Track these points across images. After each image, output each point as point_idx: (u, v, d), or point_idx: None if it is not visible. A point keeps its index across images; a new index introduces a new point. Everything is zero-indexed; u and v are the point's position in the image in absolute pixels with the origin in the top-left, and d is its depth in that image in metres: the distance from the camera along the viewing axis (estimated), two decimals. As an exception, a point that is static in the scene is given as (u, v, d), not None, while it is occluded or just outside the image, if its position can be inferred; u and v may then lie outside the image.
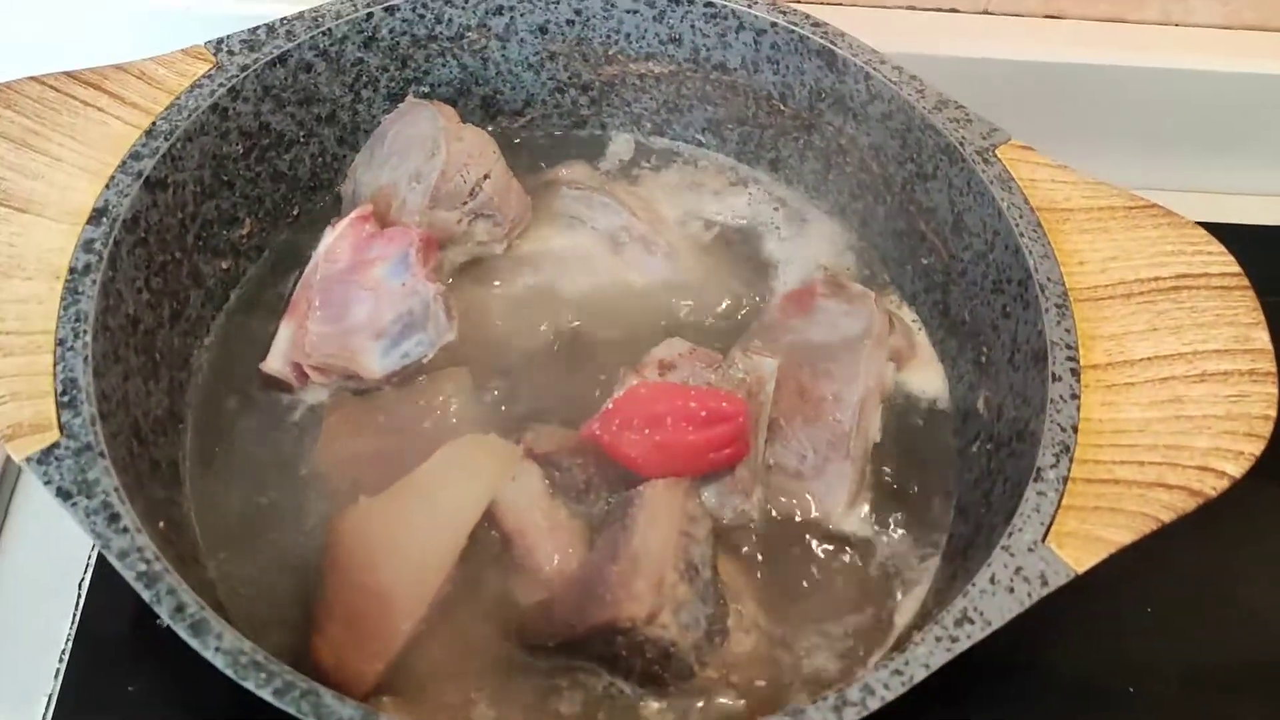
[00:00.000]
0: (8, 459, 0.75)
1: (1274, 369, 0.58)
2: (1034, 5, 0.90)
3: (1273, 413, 0.57)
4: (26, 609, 0.70)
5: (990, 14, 0.91)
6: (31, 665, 0.67)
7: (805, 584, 0.63)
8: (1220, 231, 0.64)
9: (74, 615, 0.69)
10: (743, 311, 0.74)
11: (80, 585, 0.70)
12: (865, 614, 0.62)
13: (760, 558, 0.63)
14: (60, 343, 0.54)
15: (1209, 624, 0.72)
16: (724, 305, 0.74)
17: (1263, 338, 0.59)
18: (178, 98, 0.64)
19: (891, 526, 0.65)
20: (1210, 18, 0.90)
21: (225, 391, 0.67)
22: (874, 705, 0.48)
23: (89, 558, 0.71)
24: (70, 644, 0.68)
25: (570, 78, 0.79)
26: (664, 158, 0.82)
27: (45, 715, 0.65)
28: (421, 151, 0.71)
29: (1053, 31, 0.90)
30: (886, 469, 0.67)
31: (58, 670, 0.67)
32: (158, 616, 0.66)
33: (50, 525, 0.73)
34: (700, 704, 0.58)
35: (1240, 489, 0.55)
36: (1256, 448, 0.56)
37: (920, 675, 0.49)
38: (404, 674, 0.57)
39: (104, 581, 0.70)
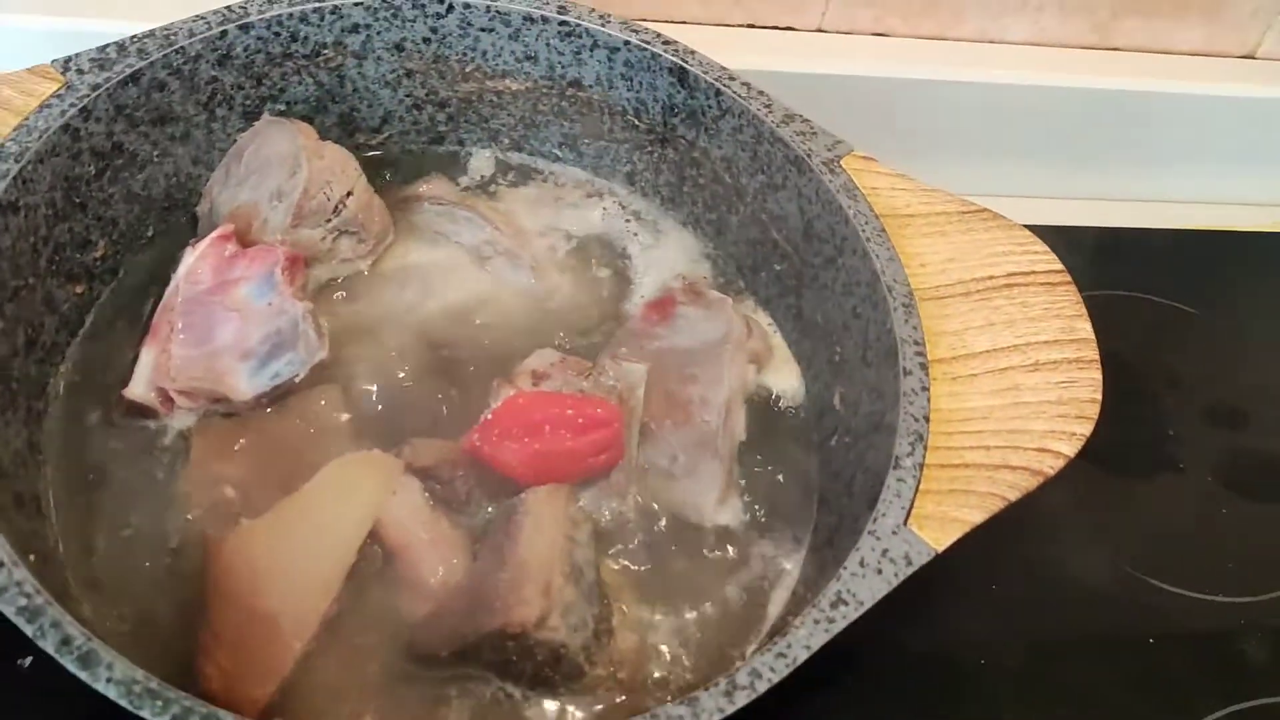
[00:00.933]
0: None
1: (1097, 356, 0.64)
2: (864, 23, 0.95)
3: (1098, 396, 0.62)
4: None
5: (824, 31, 0.96)
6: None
7: (682, 579, 0.65)
8: (1043, 233, 0.70)
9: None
10: (606, 321, 0.76)
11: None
12: (740, 605, 0.65)
13: (638, 557, 0.66)
14: (-88, 377, 0.52)
15: (1046, 598, 0.78)
16: (588, 315, 0.76)
17: (1086, 328, 0.65)
18: (26, 118, 0.62)
19: (760, 520, 0.68)
20: (1023, 35, 0.97)
21: (86, 420, 0.65)
22: (762, 688, 0.51)
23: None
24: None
25: (427, 94, 0.80)
26: (522, 173, 0.84)
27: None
28: (282, 170, 0.70)
29: (882, 48, 0.96)
30: (752, 466, 0.71)
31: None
32: (18, 655, 0.65)
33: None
34: (589, 702, 0.60)
35: (1066, 469, 0.61)
36: (1086, 429, 0.61)
37: (803, 656, 0.52)
38: (292, 694, 0.56)
39: None
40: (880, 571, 0.55)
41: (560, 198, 0.83)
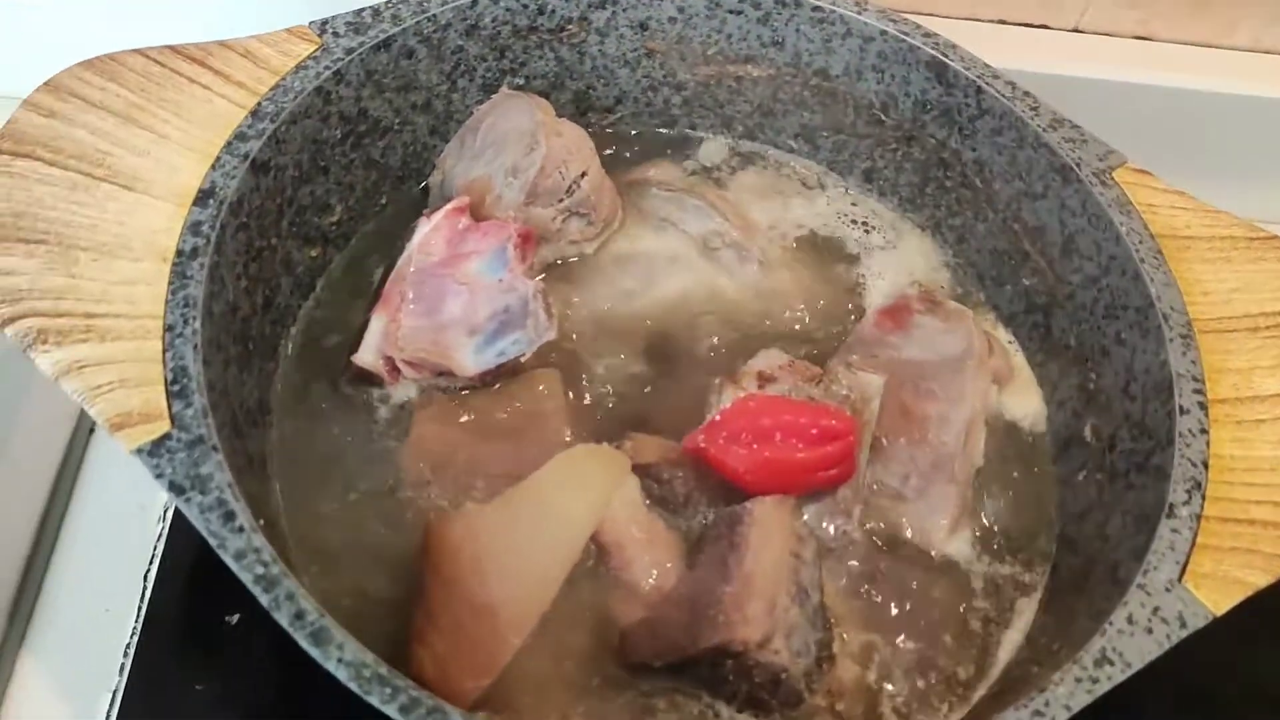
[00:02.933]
0: (68, 450, 0.73)
1: (1407, 411, 0.57)
2: (1127, 25, 0.88)
3: None
4: (90, 603, 0.68)
5: (1081, 32, 0.89)
6: (96, 661, 0.65)
7: (907, 610, 0.61)
8: (1343, 269, 0.63)
9: (140, 607, 0.67)
10: (836, 324, 0.72)
11: (145, 576, 0.68)
12: (968, 645, 0.61)
13: (861, 581, 0.62)
14: (169, 328, 0.52)
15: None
16: (817, 316, 0.72)
17: (1394, 378, 0.58)
18: (283, 79, 0.61)
19: (994, 554, 0.64)
20: (1306, 47, 0.89)
21: (312, 384, 0.65)
22: (1017, 748, 0.47)
23: (154, 550, 0.69)
24: (136, 639, 0.66)
25: (665, 76, 0.77)
26: (753, 162, 0.80)
27: (109, 713, 0.63)
28: (519, 145, 0.69)
29: (1146, 52, 0.88)
30: (988, 494, 0.66)
31: (123, 666, 0.65)
32: (225, 612, 0.66)
33: (117, 515, 0.71)
34: (805, 732, 0.57)
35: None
36: (1393, 492, 0.54)
37: (1062, 717, 0.48)
38: (501, 688, 0.55)
39: (170, 572, 0.68)
40: (1150, 631, 0.50)
41: (791, 190, 0.79)
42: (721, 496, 0.61)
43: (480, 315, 0.65)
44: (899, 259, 0.76)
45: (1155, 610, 0.51)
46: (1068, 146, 0.66)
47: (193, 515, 0.48)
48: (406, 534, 0.60)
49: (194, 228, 0.55)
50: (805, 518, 0.62)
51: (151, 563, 0.68)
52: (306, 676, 0.46)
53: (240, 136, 0.59)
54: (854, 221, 0.78)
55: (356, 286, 0.69)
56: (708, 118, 0.79)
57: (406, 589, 0.57)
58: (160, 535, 0.70)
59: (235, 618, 0.66)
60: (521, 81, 0.74)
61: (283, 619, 0.46)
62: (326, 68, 0.63)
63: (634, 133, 0.80)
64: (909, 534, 0.63)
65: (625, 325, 0.70)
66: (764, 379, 0.65)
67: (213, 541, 0.47)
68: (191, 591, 0.68)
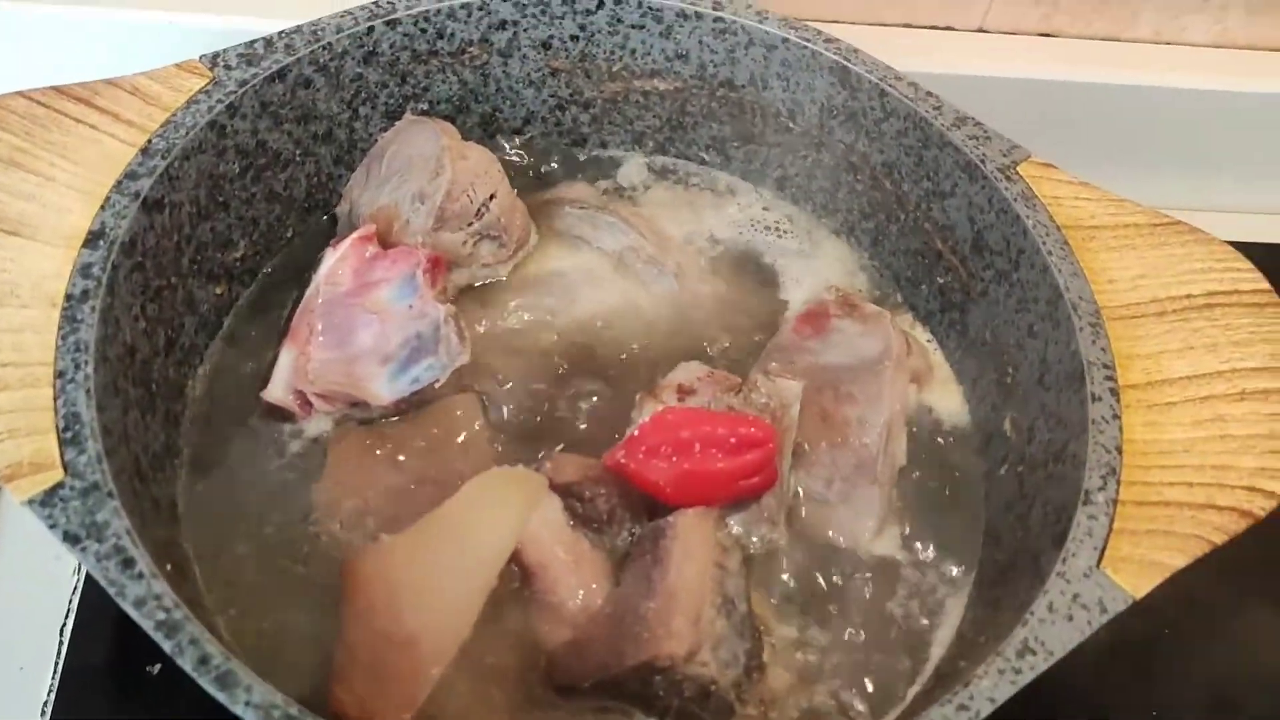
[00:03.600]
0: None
1: (1314, 387, 0.57)
2: (1030, 22, 0.90)
3: (1317, 432, 0.56)
4: (5, 655, 0.66)
5: (985, 31, 0.90)
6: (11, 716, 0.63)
7: (836, 614, 0.61)
8: (1244, 250, 0.63)
9: (57, 662, 0.65)
10: (755, 333, 0.72)
11: (62, 630, 0.66)
12: (900, 644, 0.61)
13: (789, 588, 0.61)
14: (60, 375, 0.51)
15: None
16: (735, 327, 0.72)
17: (1300, 354, 0.59)
18: (174, 114, 0.60)
19: (921, 553, 0.64)
20: (1203, 37, 0.90)
21: (222, 423, 0.64)
22: (942, 743, 0.46)
23: (71, 600, 0.67)
24: (53, 693, 0.64)
25: (572, 95, 0.77)
26: (666, 176, 0.80)
27: (30, 773, 0.61)
28: (425, 171, 0.68)
29: (1049, 50, 0.90)
30: (912, 494, 0.66)
31: (41, 723, 0.63)
32: (147, 661, 0.64)
33: (30, 567, 0.69)
34: (738, 743, 0.56)
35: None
36: (1304, 467, 0.55)
37: (986, 709, 0.47)
38: (425, 716, 0.54)
39: (88, 623, 0.66)
40: (1071, 619, 0.50)
41: (704, 203, 0.79)
42: (645, 512, 0.61)
43: (392, 343, 0.64)
44: (816, 265, 0.76)
45: (1075, 597, 0.51)
46: (972, 144, 0.67)
47: (89, 564, 0.46)
48: (326, 570, 0.58)
49: (84, 270, 0.54)
50: (730, 528, 0.61)
51: (68, 616, 0.67)
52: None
53: (130, 175, 0.58)
54: (768, 227, 0.78)
55: (266, 322, 0.68)
56: (617, 134, 0.79)
57: (328, 626, 0.56)
58: (76, 588, 0.68)
59: (157, 668, 0.64)
60: (425, 106, 0.73)
61: (187, 665, 0.45)
62: (219, 101, 0.62)
63: (545, 153, 0.79)
64: (835, 538, 0.63)
65: (543, 345, 0.69)
66: (683, 391, 0.65)
67: (111, 590, 0.46)
68: (111, 643, 0.66)
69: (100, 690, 0.64)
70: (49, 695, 0.64)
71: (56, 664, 0.65)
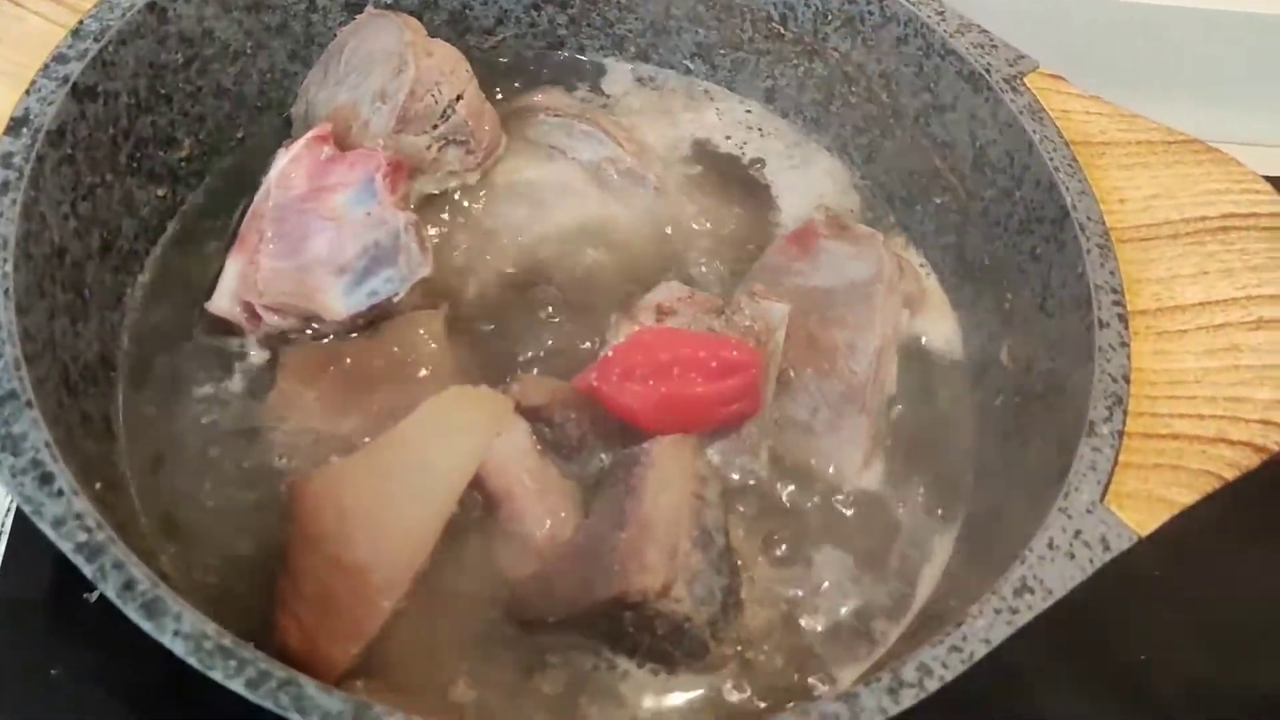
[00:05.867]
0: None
1: (1334, 316, 0.54)
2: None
3: (1336, 362, 0.53)
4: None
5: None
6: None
7: (819, 550, 0.58)
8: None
9: (-14, 591, 0.61)
10: (739, 253, 0.68)
11: (-9, 555, 0.62)
12: (883, 583, 0.58)
13: (771, 521, 0.58)
14: (-26, 272, 0.46)
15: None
16: (719, 245, 0.68)
17: (1320, 282, 0.55)
18: (109, -7, 0.55)
19: (909, 486, 0.61)
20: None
21: (163, 335, 0.60)
22: (932, 686, 0.44)
23: (2, 525, 0.63)
24: (-16, 623, 0.60)
25: (548, -8, 0.72)
26: (647, 83, 0.76)
27: (-43, 705, 0.57)
28: (386, 68, 0.63)
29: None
30: (901, 424, 0.62)
31: (-30, 652, 0.59)
32: (84, 589, 0.60)
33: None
34: (712, 683, 0.53)
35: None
36: (1322, 400, 0.52)
37: (981, 651, 0.44)
38: (376, 653, 0.50)
39: (22, 550, 0.62)
40: (1073, 556, 0.47)
41: (688, 113, 0.75)
42: (619, 438, 0.58)
43: (348, 252, 0.59)
44: (805, 182, 0.73)
45: (1077, 533, 0.48)
46: (976, 53, 0.63)
47: (4, 480, 0.42)
48: (273, 494, 0.55)
49: (4, 159, 0.49)
50: (709, 457, 0.58)
51: None
52: (172, 655, 0.41)
53: (59, 59, 0.53)
54: (757, 144, 0.73)
55: (214, 228, 0.64)
56: (597, 38, 0.75)
57: (276, 554, 0.52)
58: (9, 510, 0.63)
59: (95, 594, 0.60)
60: (389, 1, 0.68)
61: (110, 590, 0.41)
62: (160, -20, 0.57)
63: (518, 55, 0.75)
64: (820, 469, 0.60)
65: (513, 260, 0.66)
66: (663, 312, 0.61)
67: (27, 508, 0.42)
68: (45, 572, 0.62)
69: (34, 618, 0.60)
70: (-21, 622, 0.60)
71: (-14, 587, 0.61)
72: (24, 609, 0.61)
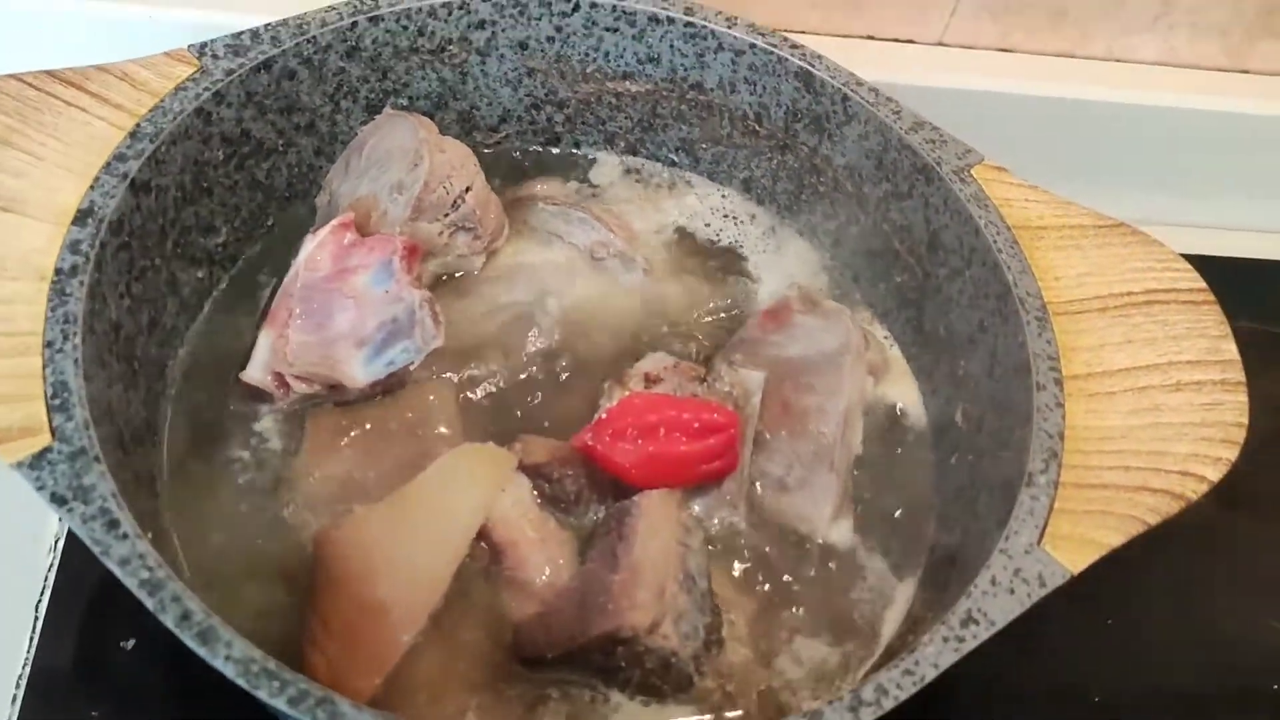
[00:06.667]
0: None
1: (1244, 379, 0.61)
2: (989, 38, 0.93)
3: (1245, 420, 0.59)
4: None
5: (946, 45, 0.94)
6: (-11, 693, 0.65)
7: (792, 595, 0.64)
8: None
9: (31, 638, 0.66)
10: (720, 327, 0.74)
11: (37, 607, 0.68)
12: (852, 623, 0.63)
13: (747, 569, 0.64)
14: (49, 344, 0.52)
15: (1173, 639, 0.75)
16: (702, 320, 0.75)
17: (1231, 349, 0.62)
18: (162, 100, 0.62)
19: (875, 537, 0.66)
20: (1153, 55, 0.94)
21: (201, 403, 0.65)
22: (888, 705, 0.49)
23: (46, 578, 0.69)
24: (27, 667, 0.65)
25: (547, 94, 0.79)
26: (636, 176, 0.83)
27: (4, 744, 0.62)
28: (403, 162, 0.70)
29: (1005, 64, 0.93)
30: (868, 481, 0.68)
31: (15, 696, 0.64)
32: (120, 639, 0.65)
33: (4, 545, 0.70)
34: (696, 712, 0.58)
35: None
36: (1232, 453, 0.58)
37: (930, 675, 0.50)
38: (395, 687, 0.55)
39: (63, 603, 0.68)
40: (1013, 591, 0.53)
41: (673, 202, 0.81)
42: (611, 493, 0.63)
43: (368, 326, 0.66)
44: (780, 263, 0.79)
45: (1016, 571, 0.54)
46: (928, 147, 0.70)
47: (76, 525, 0.48)
48: (300, 549, 0.60)
49: (73, 246, 0.56)
50: (693, 509, 0.64)
51: (43, 594, 0.68)
52: (203, 698, 0.46)
53: (119, 157, 0.59)
54: (736, 230, 0.80)
55: (244, 307, 0.70)
56: (590, 134, 0.82)
57: (304, 603, 0.58)
58: (52, 566, 0.69)
59: (130, 643, 0.66)
60: (405, 102, 0.76)
61: (169, 621, 0.46)
62: (206, 89, 0.64)
63: (520, 150, 0.82)
64: (793, 522, 0.65)
65: (516, 334, 0.71)
66: (650, 379, 0.67)
67: (96, 549, 0.48)
68: (85, 620, 0.67)
69: (75, 665, 0.66)
70: (23, 669, 0.65)
71: (31, 639, 0.66)
72: (65, 653, 0.66)
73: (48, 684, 0.65)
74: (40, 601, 0.68)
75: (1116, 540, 0.55)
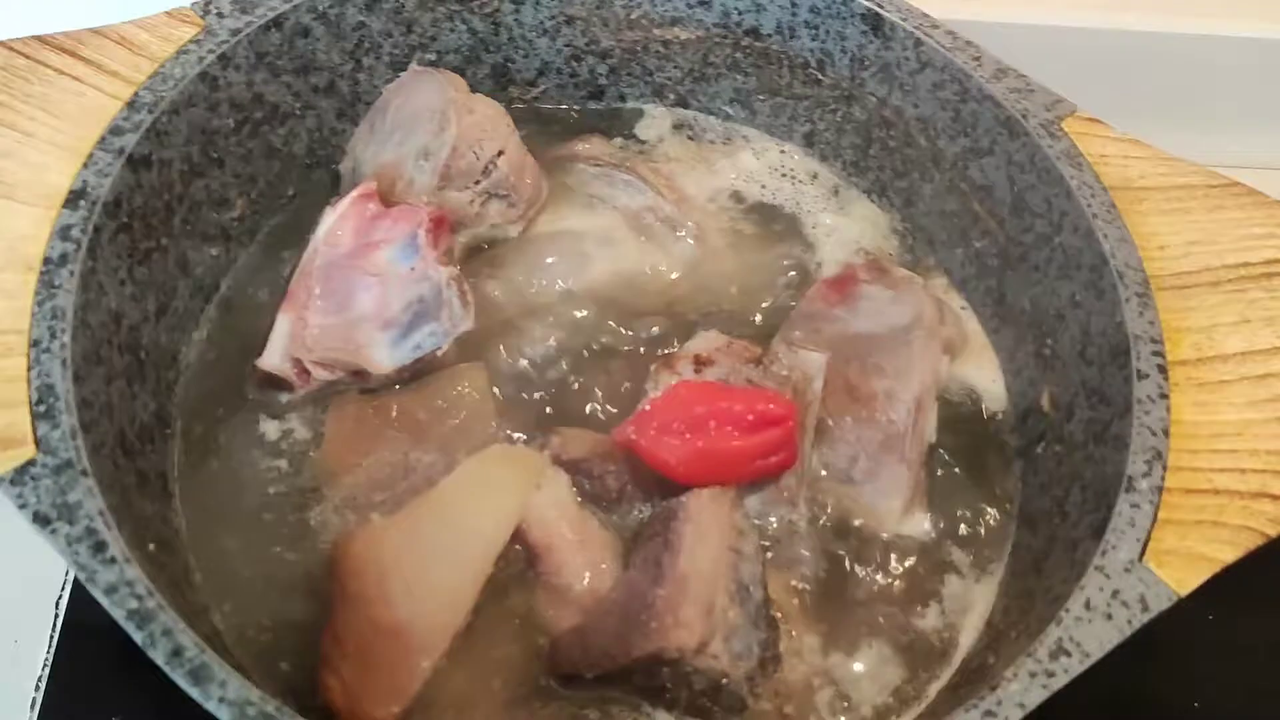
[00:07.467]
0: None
1: (1381, 364, 0.53)
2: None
3: (1383, 413, 0.52)
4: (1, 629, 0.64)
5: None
6: (3, 698, 0.62)
7: (858, 602, 0.58)
8: (1309, 213, 0.59)
9: (52, 636, 0.63)
10: (779, 300, 0.68)
11: (58, 603, 0.65)
12: (926, 633, 0.58)
13: (809, 573, 0.58)
14: (35, 344, 0.48)
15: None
16: (758, 291, 0.69)
17: (1367, 329, 0.54)
18: (162, 66, 0.57)
19: (950, 536, 0.60)
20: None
21: (217, 392, 0.61)
22: (966, 751, 0.43)
23: (67, 574, 0.65)
24: (47, 668, 0.63)
25: (588, 44, 0.73)
26: (688, 131, 0.76)
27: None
28: (429, 126, 0.65)
29: (1104, -2, 0.84)
30: (942, 471, 0.62)
31: (34, 700, 0.61)
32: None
33: (22, 542, 0.67)
34: (752, 737, 0.53)
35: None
36: (1368, 452, 0.51)
37: (1017, 716, 0.44)
38: (420, 708, 0.51)
39: (84, 599, 0.64)
40: (1110, 617, 0.47)
41: (729, 160, 0.75)
42: (658, 490, 0.58)
43: (393, 307, 0.61)
44: (845, 226, 0.73)
45: (1115, 593, 0.47)
46: (1013, 98, 0.63)
47: (59, 548, 0.44)
48: (321, 552, 0.56)
49: (63, 232, 0.51)
50: (747, 509, 0.58)
51: (63, 589, 0.65)
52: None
53: (115, 130, 0.55)
54: (797, 190, 0.74)
55: (267, 285, 0.65)
56: (637, 86, 0.75)
57: (324, 613, 0.53)
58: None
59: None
60: (433, 58, 0.70)
61: (159, 657, 0.42)
62: (210, 51, 0.59)
63: (560, 106, 0.76)
64: (860, 519, 0.60)
65: (555, 311, 0.66)
66: (701, 362, 0.62)
67: (81, 575, 0.44)
68: (106, 615, 0.64)
69: (94, 664, 0.63)
70: (43, 670, 0.62)
71: (51, 639, 0.63)
72: (86, 652, 0.63)
73: (67, 690, 0.62)
74: (60, 599, 0.65)
75: (1230, 555, 0.49)
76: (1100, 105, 0.63)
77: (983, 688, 0.45)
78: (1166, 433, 0.52)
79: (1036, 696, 0.45)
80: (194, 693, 0.41)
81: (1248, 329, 0.55)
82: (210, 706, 0.41)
